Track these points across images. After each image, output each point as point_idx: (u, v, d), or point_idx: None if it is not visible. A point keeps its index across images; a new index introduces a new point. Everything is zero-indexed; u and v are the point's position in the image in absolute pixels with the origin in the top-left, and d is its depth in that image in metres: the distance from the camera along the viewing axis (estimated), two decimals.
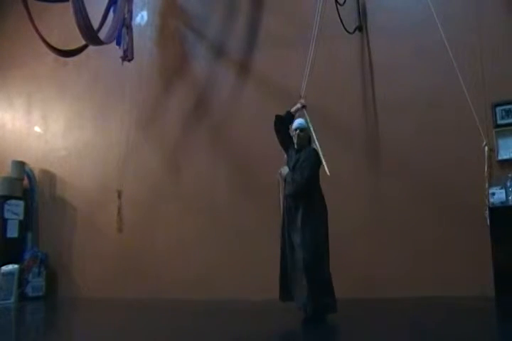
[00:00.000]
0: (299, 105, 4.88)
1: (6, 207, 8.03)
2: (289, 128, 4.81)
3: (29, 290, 7.68)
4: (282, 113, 4.90)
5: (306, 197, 4.40)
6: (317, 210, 4.38)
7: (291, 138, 4.76)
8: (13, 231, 8.09)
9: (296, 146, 4.69)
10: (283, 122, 4.77)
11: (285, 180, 4.58)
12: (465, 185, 5.44)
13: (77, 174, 8.28)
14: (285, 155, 4.83)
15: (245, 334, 4.00)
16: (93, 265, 7.73)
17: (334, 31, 6.01)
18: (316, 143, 4.67)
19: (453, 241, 5.40)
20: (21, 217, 8.23)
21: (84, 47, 7.10)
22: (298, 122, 4.72)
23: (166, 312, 5.76)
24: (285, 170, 4.64)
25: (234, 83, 7.21)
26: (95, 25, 6.84)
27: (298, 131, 4.65)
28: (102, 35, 6.96)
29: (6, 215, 8.03)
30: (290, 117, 4.80)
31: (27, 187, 8.52)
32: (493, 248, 4.91)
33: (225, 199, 6.88)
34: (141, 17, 8.07)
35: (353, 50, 6.33)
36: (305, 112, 4.87)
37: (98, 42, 6.82)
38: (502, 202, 5.10)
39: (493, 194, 5.18)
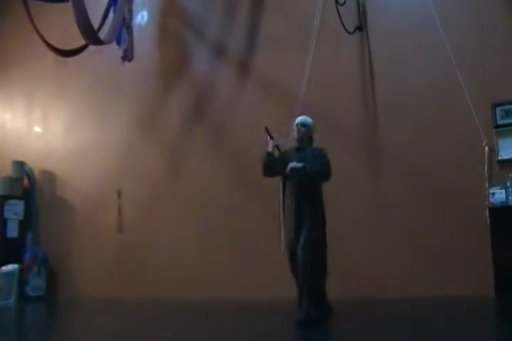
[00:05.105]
0: (271, 144, 4.51)
1: (6, 207, 8.05)
2: (275, 165, 4.46)
3: (29, 290, 7.69)
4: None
5: (315, 193, 4.30)
6: (321, 208, 4.33)
7: (275, 166, 4.45)
8: (13, 231, 8.11)
9: (297, 143, 4.49)
10: (270, 165, 4.45)
11: (290, 172, 4.25)
12: (465, 185, 5.44)
13: (77, 174, 8.29)
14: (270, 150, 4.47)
15: (246, 334, 4.00)
16: (93, 265, 7.74)
17: (334, 31, 6.01)
18: None
19: (453, 241, 5.40)
20: (21, 217, 8.24)
21: (85, 47, 7.11)
22: (301, 118, 4.52)
23: (165, 312, 5.76)
24: (294, 164, 4.25)
25: (234, 83, 7.21)
26: (95, 25, 6.85)
27: (299, 125, 4.45)
28: (102, 35, 6.97)
29: (6, 215, 8.04)
30: (272, 155, 4.48)
31: (27, 187, 8.53)
32: (493, 248, 4.90)
33: (225, 199, 6.88)
34: (141, 17, 8.07)
35: (353, 50, 6.33)
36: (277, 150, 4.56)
37: (98, 42, 6.82)
38: (502, 202, 5.10)
39: (493, 194, 5.17)
